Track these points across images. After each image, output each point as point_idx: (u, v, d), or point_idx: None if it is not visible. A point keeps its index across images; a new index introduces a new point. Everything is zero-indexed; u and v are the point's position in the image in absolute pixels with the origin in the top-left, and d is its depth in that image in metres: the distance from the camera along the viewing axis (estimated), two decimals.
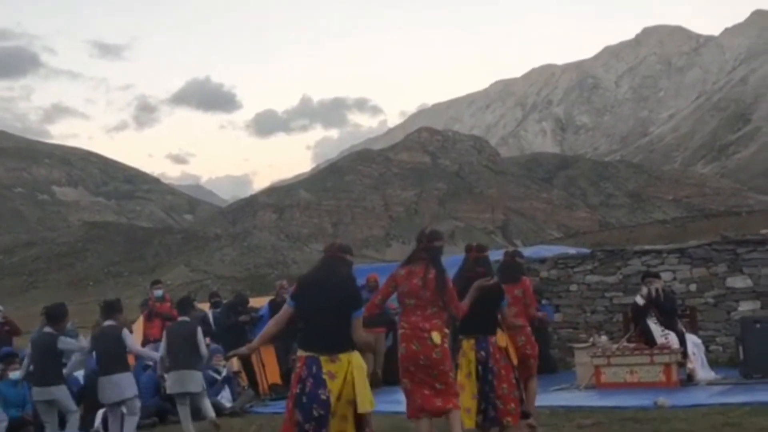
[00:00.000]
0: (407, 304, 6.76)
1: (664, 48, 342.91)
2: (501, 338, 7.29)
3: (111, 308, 10.04)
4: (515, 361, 7.46)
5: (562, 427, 8.28)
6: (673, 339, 12.08)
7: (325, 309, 5.80)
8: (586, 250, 17.84)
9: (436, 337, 6.60)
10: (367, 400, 5.82)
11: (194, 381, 10.19)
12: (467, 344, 7.26)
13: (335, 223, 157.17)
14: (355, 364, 5.79)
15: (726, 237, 15.26)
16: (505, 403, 7.13)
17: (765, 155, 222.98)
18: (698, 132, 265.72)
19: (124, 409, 9.77)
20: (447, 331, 6.82)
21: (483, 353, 7.18)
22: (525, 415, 7.49)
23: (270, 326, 6.28)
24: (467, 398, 7.17)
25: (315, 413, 5.68)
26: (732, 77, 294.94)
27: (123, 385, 9.61)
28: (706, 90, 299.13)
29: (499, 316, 7.44)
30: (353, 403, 5.78)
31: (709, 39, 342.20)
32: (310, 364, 5.75)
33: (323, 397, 5.68)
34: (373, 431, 7.17)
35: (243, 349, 6.59)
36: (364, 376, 5.87)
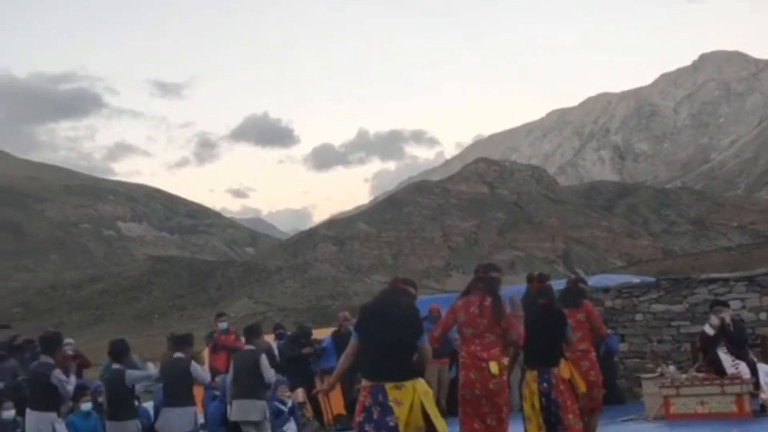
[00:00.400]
0: (466, 333, 6.82)
1: (722, 73, 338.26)
2: (564, 369, 7.23)
3: (182, 341, 10.20)
4: (583, 389, 7.39)
5: None
6: (744, 369, 11.86)
7: (388, 337, 5.85)
8: (650, 279, 17.62)
9: (494, 367, 6.61)
10: (443, 425, 5.84)
11: (257, 410, 10.28)
12: (530, 375, 7.24)
13: (395, 254, 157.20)
14: (421, 390, 5.82)
15: None
16: None
17: None
18: (761, 157, 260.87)
19: None
20: (505, 362, 6.80)
21: (546, 385, 7.14)
22: None
23: (343, 361, 6.33)
24: (534, 429, 7.15)
25: None
26: None
27: (186, 420, 9.72)
28: None
29: (563, 344, 7.40)
30: (424, 430, 5.78)
31: None
32: (376, 393, 5.79)
33: (391, 423, 5.70)
34: None
35: (323, 387, 6.70)
36: (432, 401, 5.89)
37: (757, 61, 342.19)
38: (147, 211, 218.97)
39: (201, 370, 10.59)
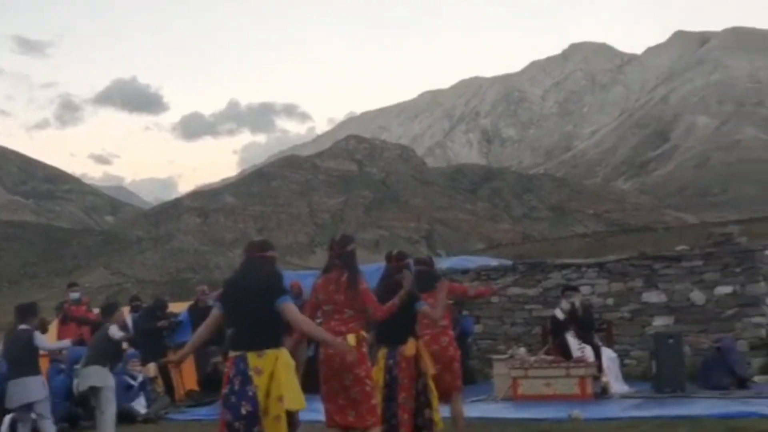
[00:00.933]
0: (325, 310, 6.79)
1: (589, 64, 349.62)
2: (410, 347, 7.26)
3: (25, 312, 9.82)
4: (432, 370, 7.45)
5: None
6: (589, 352, 12.29)
7: (249, 307, 5.82)
8: (508, 262, 18.05)
9: (351, 339, 6.61)
10: (294, 398, 5.76)
11: (98, 375, 9.92)
12: (381, 352, 7.27)
13: (260, 228, 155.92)
14: (282, 361, 5.76)
15: (643, 253, 15.60)
16: (402, 412, 7.14)
17: (682, 173, 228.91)
18: (620, 148, 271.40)
19: (34, 414, 9.54)
20: (365, 334, 6.81)
21: (391, 362, 7.19)
22: (418, 428, 7.42)
23: (200, 331, 6.23)
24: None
25: (243, 411, 5.66)
26: (653, 95, 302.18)
27: (32, 388, 9.40)
28: (629, 107, 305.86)
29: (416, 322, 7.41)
30: (282, 401, 5.72)
31: (632, 57, 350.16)
32: (238, 363, 5.76)
33: (250, 393, 5.67)
34: None
35: (174, 358, 6.53)
36: (291, 373, 5.82)
37: (622, 55, 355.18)
38: (1, 173, 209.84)
39: (44, 339, 10.23)
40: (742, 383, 12.16)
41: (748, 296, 13.83)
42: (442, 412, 7.71)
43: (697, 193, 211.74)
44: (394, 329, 7.04)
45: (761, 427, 8.08)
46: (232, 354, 5.85)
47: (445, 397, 8.23)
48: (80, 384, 10.07)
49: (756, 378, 12.90)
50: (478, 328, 15.80)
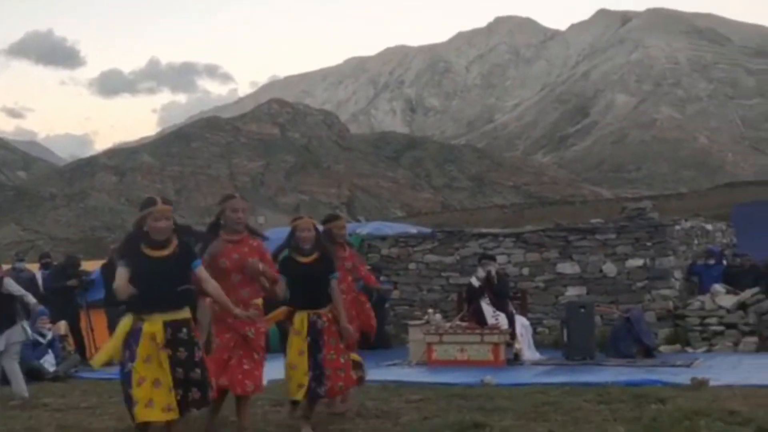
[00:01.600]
0: (233, 280, 6.70)
1: (513, 38, 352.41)
2: (332, 310, 7.29)
3: None
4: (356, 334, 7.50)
5: (391, 401, 8.41)
6: (503, 320, 12.51)
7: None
8: (426, 230, 18.20)
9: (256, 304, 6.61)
10: (100, 356, 5.80)
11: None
12: (299, 318, 7.18)
13: (179, 189, 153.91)
14: (122, 325, 5.63)
15: (559, 224, 15.91)
16: (345, 370, 7.16)
17: (599, 149, 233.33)
18: (540, 122, 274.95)
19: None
20: (259, 302, 6.77)
21: (315, 321, 7.16)
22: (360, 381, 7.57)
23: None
24: (300, 375, 7.12)
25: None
26: (575, 72, 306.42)
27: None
28: (550, 82, 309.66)
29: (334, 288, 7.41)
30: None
31: (556, 33, 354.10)
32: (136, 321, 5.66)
33: (197, 358, 5.67)
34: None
35: None
36: (119, 334, 5.67)
37: (546, 30, 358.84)
38: None
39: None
40: (649, 352, 12.55)
41: (657, 269, 14.23)
42: None
43: (613, 168, 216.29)
44: (315, 295, 7.02)
45: (663, 394, 8.33)
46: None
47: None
48: None
49: (662, 348, 13.33)
50: (395, 294, 15.91)
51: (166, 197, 6.21)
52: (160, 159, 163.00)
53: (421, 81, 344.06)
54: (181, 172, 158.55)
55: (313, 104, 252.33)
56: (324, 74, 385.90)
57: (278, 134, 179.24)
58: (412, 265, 16.16)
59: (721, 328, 13.66)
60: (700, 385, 9.01)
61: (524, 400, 8.45)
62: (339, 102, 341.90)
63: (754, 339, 13.37)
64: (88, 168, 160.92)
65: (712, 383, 9.09)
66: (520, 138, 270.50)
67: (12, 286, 10.04)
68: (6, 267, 13.59)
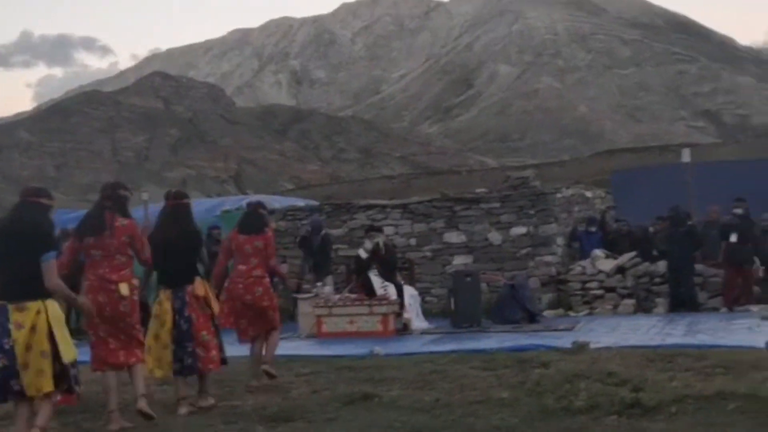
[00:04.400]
0: (94, 256, 6.61)
1: (398, 9, 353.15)
2: (199, 287, 7.25)
3: None
4: (216, 309, 7.48)
5: (281, 375, 8.42)
6: (391, 290, 12.65)
7: (13, 255, 5.63)
8: (315, 203, 18.21)
9: (123, 288, 6.53)
10: (70, 349, 5.70)
11: None
12: (164, 294, 7.19)
13: (59, 165, 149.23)
14: (51, 314, 5.62)
15: (445, 195, 16.16)
16: (206, 351, 7.16)
17: (484, 119, 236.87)
18: (426, 93, 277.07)
19: None
20: (135, 282, 6.73)
21: (179, 302, 7.14)
22: (223, 362, 7.54)
23: None
24: (159, 348, 7.16)
25: (0, 364, 5.52)
26: (458, 43, 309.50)
27: None
28: (435, 53, 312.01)
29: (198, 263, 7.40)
30: (49, 355, 5.59)
31: (439, 4, 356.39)
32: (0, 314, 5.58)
33: (7, 346, 5.54)
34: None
35: None
36: (61, 325, 5.70)
37: (429, 1, 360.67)
38: None
39: None
40: (533, 318, 12.91)
41: (540, 236, 14.62)
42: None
43: (498, 138, 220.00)
44: (178, 271, 7.00)
45: (547, 358, 8.60)
46: None
47: (263, 338, 8.33)
48: None
49: (545, 312, 13.75)
50: (284, 268, 15.84)
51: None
52: (38, 135, 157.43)
53: (306, 53, 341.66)
54: (62, 149, 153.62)
55: (197, 77, 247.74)
56: (207, 46, 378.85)
57: (162, 108, 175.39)
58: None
59: (601, 291, 14.18)
60: (581, 348, 9.33)
61: (412, 369, 8.59)
62: (223, 75, 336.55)
63: (631, 301, 13.93)
64: None
65: (592, 346, 9.44)
66: (407, 109, 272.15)
67: None
68: None
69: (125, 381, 6.83)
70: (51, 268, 5.65)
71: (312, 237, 14.61)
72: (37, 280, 5.60)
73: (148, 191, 18.86)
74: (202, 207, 17.12)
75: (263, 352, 8.37)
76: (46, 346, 5.59)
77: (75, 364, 5.83)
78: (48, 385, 5.60)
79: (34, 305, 5.60)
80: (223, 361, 7.53)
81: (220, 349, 7.44)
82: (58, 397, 5.76)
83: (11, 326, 5.56)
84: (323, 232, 14.53)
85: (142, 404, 6.51)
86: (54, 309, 5.67)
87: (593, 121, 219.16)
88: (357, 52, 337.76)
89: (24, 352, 5.55)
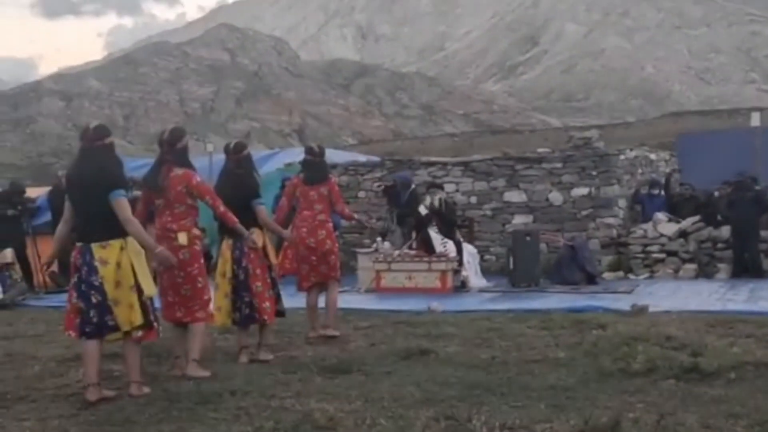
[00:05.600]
0: (157, 205, 6.72)
1: None
2: (258, 237, 7.33)
3: None
4: (274, 260, 7.56)
5: (339, 328, 8.53)
6: (451, 248, 12.68)
7: (89, 200, 5.82)
8: (376, 158, 18.24)
9: (182, 237, 6.61)
10: (149, 285, 5.90)
11: None
12: (225, 244, 7.30)
13: (127, 115, 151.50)
14: (131, 250, 5.84)
15: (506, 153, 16.05)
16: (260, 301, 7.26)
17: (549, 78, 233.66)
18: (491, 50, 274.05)
19: None
20: (198, 232, 6.81)
21: (238, 252, 7.24)
22: (280, 314, 7.63)
23: (60, 228, 6.18)
24: (220, 297, 7.30)
25: (93, 300, 5.79)
26: (525, 0, 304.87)
27: None
28: (501, 10, 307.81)
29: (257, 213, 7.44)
30: (136, 290, 5.79)
31: None
32: (84, 253, 5.83)
33: (96, 283, 5.77)
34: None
35: (45, 261, 6.49)
36: (142, 260, 5.90)
37: None
38: None
39: None
40: (592, 279, 12.85)
41: (602, 198, 14.49)
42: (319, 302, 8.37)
43: (562, 97, 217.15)
44: (241, 220, 7.05)
45: (604, 320, 8.57)
46: (77, 244, 5.91)
47: (322, 287, 8.43)
48: None
49: (605, 275, 13.67)
50: (345, 222, 15.96)
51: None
52: (108, 84, 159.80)
53: (371, 7, 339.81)
54: (130, 98, 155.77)
55: (263, 30, 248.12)
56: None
57: (228, 60, 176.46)
58: (361, 193, 16.26)
59: (662, 255, 14.03)
60: (640, 311, 9.28)
61: (469, 326, 8.64)
62: (289, 28, 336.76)
63: (693, 266, 13.76)
64: (33, 93, 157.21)
65: (651, 309, 9.38)
66: (471, 66, 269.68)
67: None
68: None
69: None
70: (121, 204, 5.80)
71: (400, 192, 14.31)
72: (115, 219, 5.78)
73: (213, 143, 19.09)
74: (265, 159, 17.27)
75: (326, 310, 8.44)
76: (133, 280, 5.80)
77: (152, 301, 6.03)
78: (138, 318, 5.83)
79: (116, 242, 5.80)
80: (280, 313, 7.62)
81: (277, 300, 7.53)
82: (140, 333, 5.93)
83: (97, 263, 5.77)
84: (412, 187, 14.28)
85: (191, 369, 6.56)
86: (134, 245, 5.86)
87: (660, 83, 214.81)
88: (423, 8, 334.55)
89: (113, 289, 5.77)
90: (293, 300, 8.72)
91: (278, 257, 8.10)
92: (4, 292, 12.17)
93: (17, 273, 13.30)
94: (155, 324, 6.00)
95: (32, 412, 5.57)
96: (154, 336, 6.06)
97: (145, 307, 5.88)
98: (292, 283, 8.60)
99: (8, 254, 13.13)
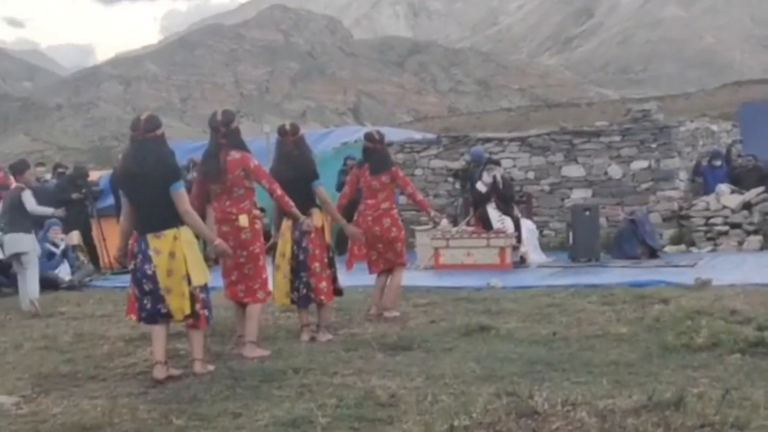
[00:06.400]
0: (214, 189, 6.77)
1: None
2: (316, 218, 7.37)
3: (15, 168, 10.68)
4: (328, 240, 7.60)
5: (399, 305, 8.57)
6: (509, 224, 12.63)
7: (144, 193, 5.90)
8: (431, 136, 18.20)
9: (243, 219, 6.67)
10: (198, 274, 5.97)
11: (23, 241, 10.18)
12: (285, 225, 7.34)
13: (184, 98, 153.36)
14: (183, 240, 5.93)
15: (564, 128, 15.89)
16: (317, 281, 7.31)
17: (605, 50, 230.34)
18: (545, 24, 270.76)
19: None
20: (257, 212, 6.87)
21: (297, 233, 7.28)
22: (338, 292, 7.67)
23: (122, 222, 6.29)
24: (279, 277, 7.37)
25: (146, 288, 5.94)
26: None
27: (21, 242, 10.16)
28: None
29: (315, 194, 7.47)
30: (187, 279, 5.90)
31: None
32: (140, 242, 5.96)
33: (149, 271, 5.90)
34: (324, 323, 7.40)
35: (115, 255, 6.62)
36: (193, 250, 5.99)
37: None
38: None
39: (31, 200, 10.33)
40: (653, 253, 12.70)
41: (662, 171, 14.28)
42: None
43: (619, 69, 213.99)
44: (295, 202, 7.07)
45: (666, 294, 8.48)
46: (135, 232, 6.04)
47: (389, 272, 8.48)
48: (5, 250, 10.23)
49: (666, 248, 13.49)
50: (402, 199, 15.97)
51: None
52: (165, 68, 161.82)
53: None
54: (187, 81, 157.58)
55: (316, 9, 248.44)
56: None
57: (282, 41, 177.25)
58: (418, 171, 16.22)
59: (725, 227, 13.79)
60: (703, 284, 9.16)
61: (529, 302, 8.62)
62: (341, 7, 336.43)
63: (758, 238, 13.50)
64: (93, 77, 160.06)
65: (715, 283, 9.24)
66: (525, 40, 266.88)
67: (28, 201, 10.16)
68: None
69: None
70: (181, 197, 5.92)
71: (472, 170, 14.07)
72: (170, 210, 5.88)
73: (269, 123, 19.24)
74: (321, 138, 17.36)
75: (387, 289, 8.47)
76: (185, 270, 5.90)
77: (206, 288, 6.12)
78: (187, 307, 5.94)
79: (170, 232, 5.90)
80: (338, 292, 7.67)
81: (334, 280, 7.57)
82: (191, 321, 6.05)
83: (151, 253, 5.89)
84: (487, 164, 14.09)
85: (248, 350, 6.63)
86: (187, 234, 5.96)
87: (721, 52, 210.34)
88: None
89: (166, 277, 5.89)
90: (352, 278, 8.78)
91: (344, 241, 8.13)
92: (72, 273, 12.46)
93: (84, 255, 13.61)
94: (203, 312, 6.06)
95: (102, 390, 5.72)
96: (204, 324, 6.13)
97: (193, 296, 5.97)
98: (343, 262, 8.65)
99: (75, 236, 13.42)
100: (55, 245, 12.48)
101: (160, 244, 5.88)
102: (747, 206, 13.87)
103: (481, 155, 14.32)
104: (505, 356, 6.14)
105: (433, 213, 9.17)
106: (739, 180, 14.79)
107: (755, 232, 13.62)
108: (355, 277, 8.82)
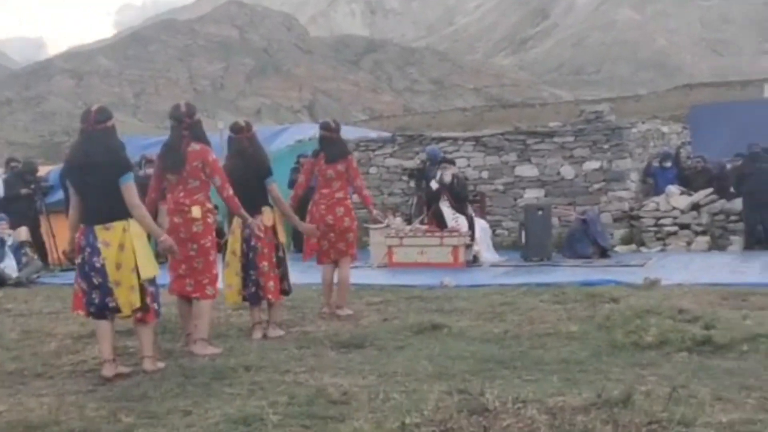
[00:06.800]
0: (170, 180, 6.73)
1: None
2: (267, 217, 7.34)
3: None
4: (283, 239, 7.59)
5: (351, 303, 8.57)
6: (462, 223, 12.69)
7: (93, 184, 5.83)
8: (387, 134, 18.24)
9: (195, 211, 6.64)
10: (147, 267, 5.90)
11: None
12: (236, 222, 7.31)
13: (137, 93, 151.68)
14: (133, 232, 5.86)
15: (517, 128, 16.05)
16: (265, 280, 7.29)
17: (559, 51, 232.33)
18: (501, 24, 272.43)
19: None
20: (211, 206, 6.83)
21: (248, 231, 7.26)
22: (285, 292, 7.65)
23: (71, 215, 6.12)
24: (231, 275, 7.35)
25: (95, 281, 5.86)
26: None
27: None
28: None
29: (269, 191, 7.45)
30: (137, 272, 5.83)
31: None
32: (87, 234, 5.87)
33: (98, 264, 5.82)
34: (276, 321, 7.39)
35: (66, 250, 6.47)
36: (144, 242, 5.93)
37: None
38: None
39: None
40: (604, 253, 12.86)
41: (614, 171, 14.46)
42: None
43: (573, 70, 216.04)
44: (247, 200, 7.05)
45: (617, 293, 8.58)
46: (81, 225, 5.94)
47: (337, 263, 8.46)
48: None
49: (617, 248, 13.67)
50: (356, 198, 15.96)
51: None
52: (118, 62, 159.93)
53: None
54: (140, 76, 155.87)
55: (272, 6, 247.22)
56: None
57: (237, 37, 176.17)
58: (373, 169, 16.25)
59: (674, 228, 14.02)
60: (652, 284, 9.28)
61: (482, 300, 8.66)
62: (297, 4, 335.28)
63: (706, 239, 13.74)
64: (44, 71, 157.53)
65: (664, 282, 9.37)
66: (481, 40, 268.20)
67: None
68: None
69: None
70: (130, 190, 5.84)
71: (427, 169, 14.13)
72: (119, 201, 5.81)
73: (223, 120, 19.12)
74: (275, 135, 17.30)
75: (336, 286, 8.45)
76: (134, 263, 5.83)
77: (154, 281, 6.05)
78: (137, 300, 5.87)
79: (119, 224, 5.83)
80: (285, 291, 7.63)
81: (282, 279, 7.54)
82: (139, 315, 5.97)
83: (100, 245, 5.81)
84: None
85: (199, 347, 6.57)
86: (136, 227, 5.88)
87: (672, 55, 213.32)
88: None
89: (115, 270, 5.81)
90: (305, 276, 8.75)
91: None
92: (19, 270, 12.26)
93: (32, 251, 13.40)
94: (153, 305, 6.01)
95: (49, 388, 5.63)
96: (152, 318, 6.07)
97: (143, 289, 5.91)
98: (300, 260, 8.63)
99: (23, 232, 13.22)
100: (2, 240, 12.28)
101: (109, 236, 5.81)
102: (695, 207, 14.10)
103: (436, 154, 14.39)
104: (457, 354, 6.16)
105: (375, 211, 9.11)
106: (689, 181, 15.04)
107: (703, 233, 13.86)
108: (308, 274, 8.79)
